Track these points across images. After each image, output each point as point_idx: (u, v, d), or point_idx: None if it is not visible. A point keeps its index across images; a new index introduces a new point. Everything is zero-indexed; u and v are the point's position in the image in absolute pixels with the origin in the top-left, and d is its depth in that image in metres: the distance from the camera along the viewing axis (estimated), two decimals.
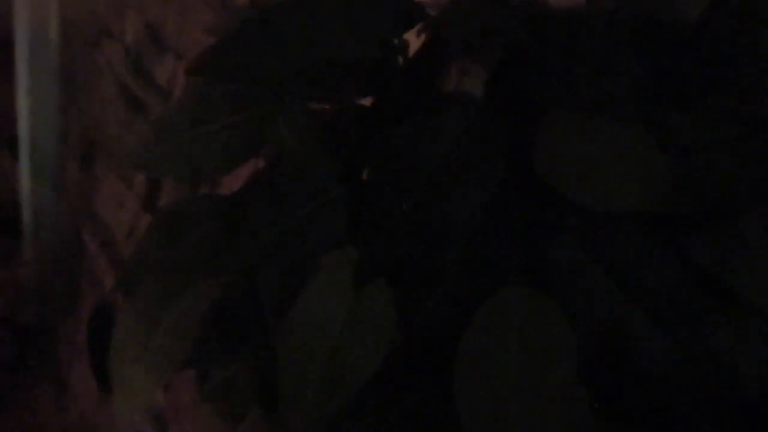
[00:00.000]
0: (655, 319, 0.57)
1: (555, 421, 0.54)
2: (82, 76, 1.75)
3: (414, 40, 0.64)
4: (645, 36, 0.60)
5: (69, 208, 1.82)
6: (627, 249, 0.58)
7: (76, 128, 1.78)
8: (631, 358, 0.57)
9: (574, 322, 0.57)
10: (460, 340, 0.56)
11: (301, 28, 0.61)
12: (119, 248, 1.58)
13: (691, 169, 0.56)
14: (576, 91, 0.58)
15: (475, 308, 0.58)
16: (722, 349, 0.53)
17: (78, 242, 1.76)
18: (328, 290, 0.58)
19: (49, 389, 1.85)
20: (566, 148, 0.57)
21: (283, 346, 0.56)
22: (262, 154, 0.67)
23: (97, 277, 1.67)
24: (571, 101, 0.58)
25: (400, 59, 0.64)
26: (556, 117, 0.58)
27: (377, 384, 0.55)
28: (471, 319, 0.57)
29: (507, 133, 0.59)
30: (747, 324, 0.54)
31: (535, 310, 0.58)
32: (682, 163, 0.56)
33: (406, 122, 0.61)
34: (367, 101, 0.64)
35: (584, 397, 0.54)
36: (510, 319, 0.57)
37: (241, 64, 0.59)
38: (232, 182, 0.77)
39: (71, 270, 1.79)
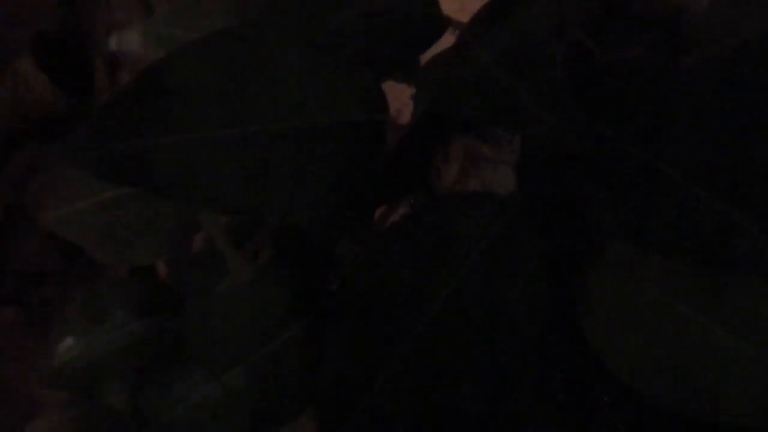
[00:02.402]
0: None
1: None
2: None
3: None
4: None
5: None
6: None
7: (102, 29, 1.59)
8: None
9: None
10: None
11: (220, 86, 0.40)
12: None
13: None
14: (661, 219, 0.35)
15: None
16: None
17: None
18: None
19: None
20: (631, 316, 0.36)
21: None
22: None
23: None
24: (650, 234, 0.35)
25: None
26: (617, 261, 0.36)
27: None
28: None
29: (549, 268, 0.38)
30: None
31: None
32: None
33: (391, 233, 0.40)
34: None
35: None
36: None
37: (125, 155, 0.38)
38: None
39: None
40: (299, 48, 0.41)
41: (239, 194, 0.40)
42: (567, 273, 0.38)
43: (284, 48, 0.41)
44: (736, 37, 0.40)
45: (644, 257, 0.37)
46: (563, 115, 0.35)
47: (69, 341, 0.63)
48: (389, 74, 0.44)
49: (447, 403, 0.39)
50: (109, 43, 1.53)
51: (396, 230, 0.40)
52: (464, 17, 0.49)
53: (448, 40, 0.50)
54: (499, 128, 0.40)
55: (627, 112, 0.37)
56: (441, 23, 0.44)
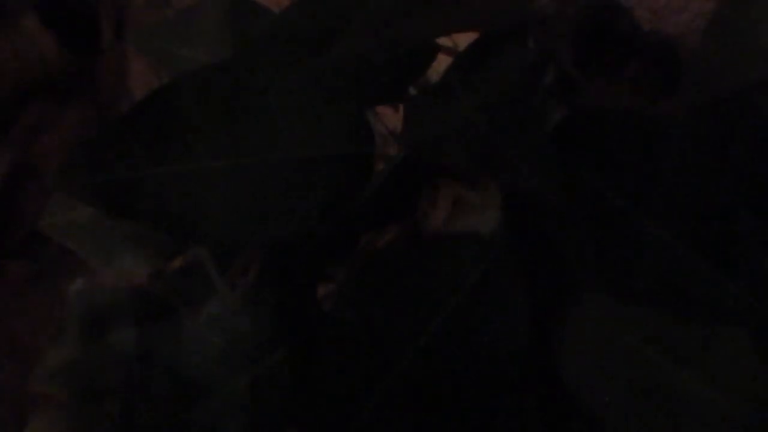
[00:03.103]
0: None
1: None
2: None
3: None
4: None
5: (105, 75, 1.67)
6: None
7: None
8: None
9: None
10: None
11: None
12: None
13: None
14: (640, 270, 0.35)
15: None
16: None
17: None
18: None
19: None
20: (606, 360, 0.37)
21: None
22: None
23: None
24: (628, 284, 0.36)
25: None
26: (595, 305, 0.37)
27: None
28: None
29: (530, 309, 0.38)
30: None
31: None
32: None
33: (378, 269, 0.41)
34: None
35: None
36: None
37: (116, 186, 0.38)
38: None
39: None
40: (290, 80, 0.41)
41: (226, 226, 0.41)
42: (547, 314, 0.39)
43: (275, 80, 0.41)
44: (729, 79, 0.40)
45: (622, 304, 0.38)
46: (543, 167, 0.35)
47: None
48: (379, 102, 0.44)
49: None
50: None
51: (382, 266, 0.41)
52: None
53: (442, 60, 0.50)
54: (483, 175, 0.40)
55: (610, 162, 0.37)
56: (431, 51, 0.44)
